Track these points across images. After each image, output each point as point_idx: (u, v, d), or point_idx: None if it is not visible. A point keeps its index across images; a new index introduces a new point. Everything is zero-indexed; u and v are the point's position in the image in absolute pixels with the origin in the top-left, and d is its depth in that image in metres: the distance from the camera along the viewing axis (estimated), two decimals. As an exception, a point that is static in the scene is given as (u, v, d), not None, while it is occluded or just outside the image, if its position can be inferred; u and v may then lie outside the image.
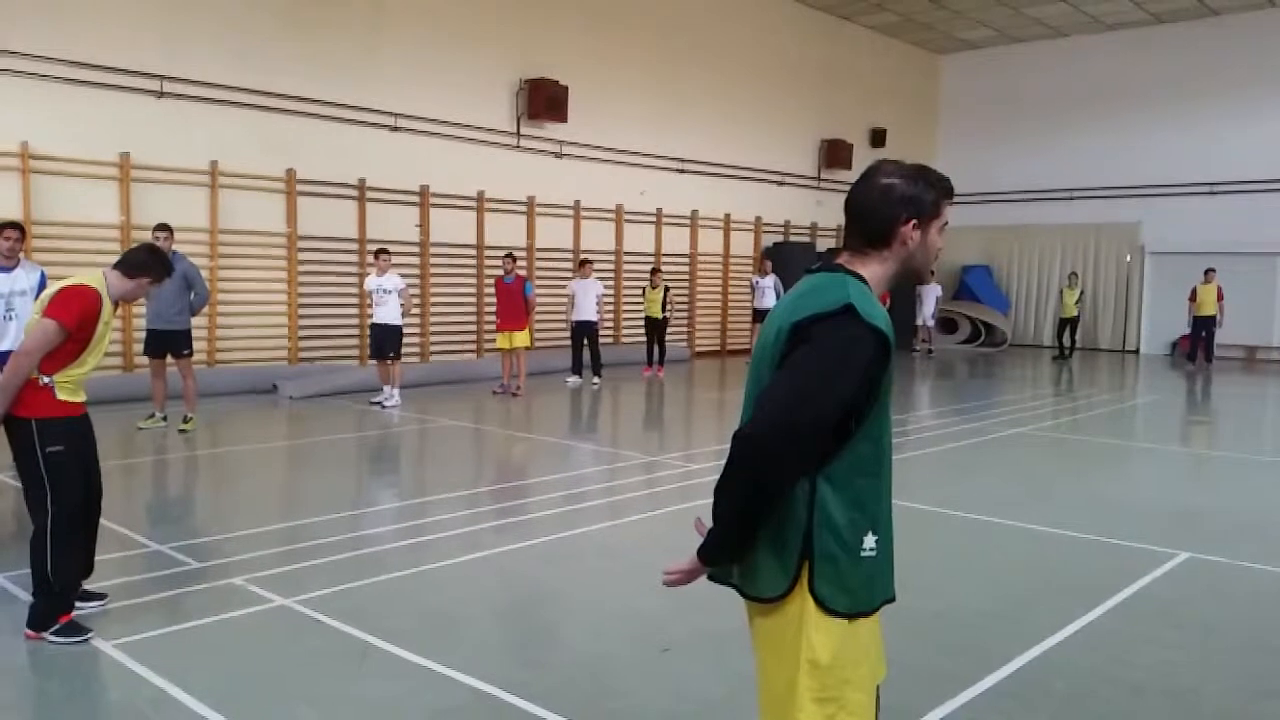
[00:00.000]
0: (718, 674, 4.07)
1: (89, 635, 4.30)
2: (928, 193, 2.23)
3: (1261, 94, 20.64)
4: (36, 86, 11.13)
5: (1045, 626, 4.65)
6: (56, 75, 11.24)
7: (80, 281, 4.40)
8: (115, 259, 4.71)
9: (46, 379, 4.27)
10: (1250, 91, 20.74)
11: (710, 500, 2.17)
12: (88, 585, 4.67)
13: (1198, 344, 19.27)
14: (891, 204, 2.21)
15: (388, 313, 11.87)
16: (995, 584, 5.50)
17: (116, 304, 4.54)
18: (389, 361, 11.94)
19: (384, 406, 11.72)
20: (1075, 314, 21.23)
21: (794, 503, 2.13)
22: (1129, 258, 22.67)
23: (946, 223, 2.30)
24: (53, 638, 4.26)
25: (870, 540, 2.17)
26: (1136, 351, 22.59)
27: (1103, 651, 4.40)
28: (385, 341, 11.90)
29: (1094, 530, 6.49)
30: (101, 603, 4.69)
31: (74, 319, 4.26)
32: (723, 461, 2.14)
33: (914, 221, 2.22)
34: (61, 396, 4.32)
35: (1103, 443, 10.57)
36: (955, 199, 2.37)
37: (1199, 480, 8.93)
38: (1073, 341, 21.27)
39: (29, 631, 4.30)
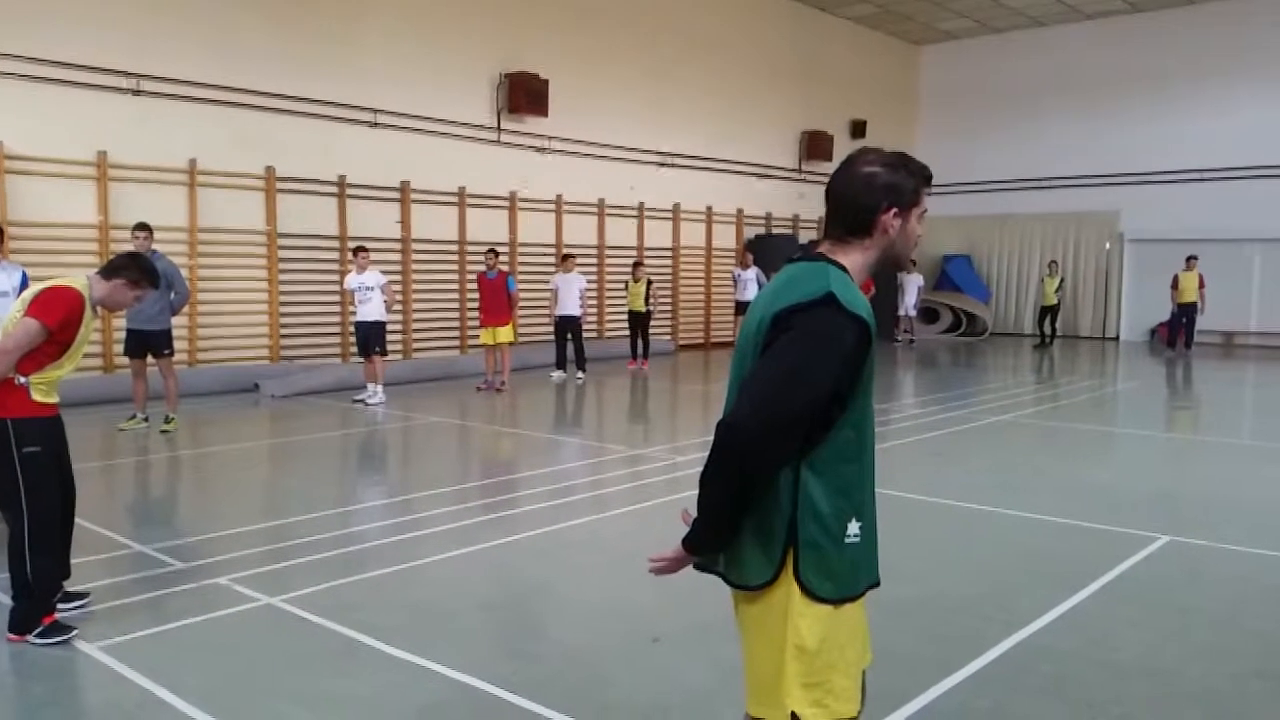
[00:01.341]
0: (707, 663, 4.09)
1: (73, 634, 4.29)
2: (908, 181, 2.25)
3: (1239, 81, 20.80)
4: (10, 86, 11.01)
5: (1029, 611, 4.69)
6: (31, 74, 11.13)
7: (64, 283, 4.38)
8: (94, 259, 4.70)
9: (23, 379, 4.24)
10: (1228, 79, 20.89)
11: (693, 494, 2.18)
12: (67, 586, 4.64)
13: (1178, 330, 19.45)
14: (873, 192, 2.22)
15: (371, 310, 11.82)
16: (979, 570, 5.54)
17: (96, 309, 4.52)
18: (374, 358, 11.90)
19: (367, 404, 11.69)
20: (1055, 302, 21.38)
21: (778, 491, 2.14)
22: (1108, 246, 22.83)
23: (925, 210, 2.31)
24: (36, 640, 4.23)
25: (854, 527, 2.19)
26: (1116, 339, 22.77)
27: (1086, 635, 4.44)
28: (370, 338, 11.86)
29: (1076, 515, 6.54)
30: (83, 602, 4.66)
31: (57, 320, 4.23)
32: (708, 454, 2.14)
33: (895, 210, 2.23)
34: (36, 397, 4.29)
35: (1084, 429, 10.65)
36: (936, 189, 2.39)
37: (1179, 464, 9.01)
38: (1053, 329, 21.42)
39: (11, 635, 4.27)
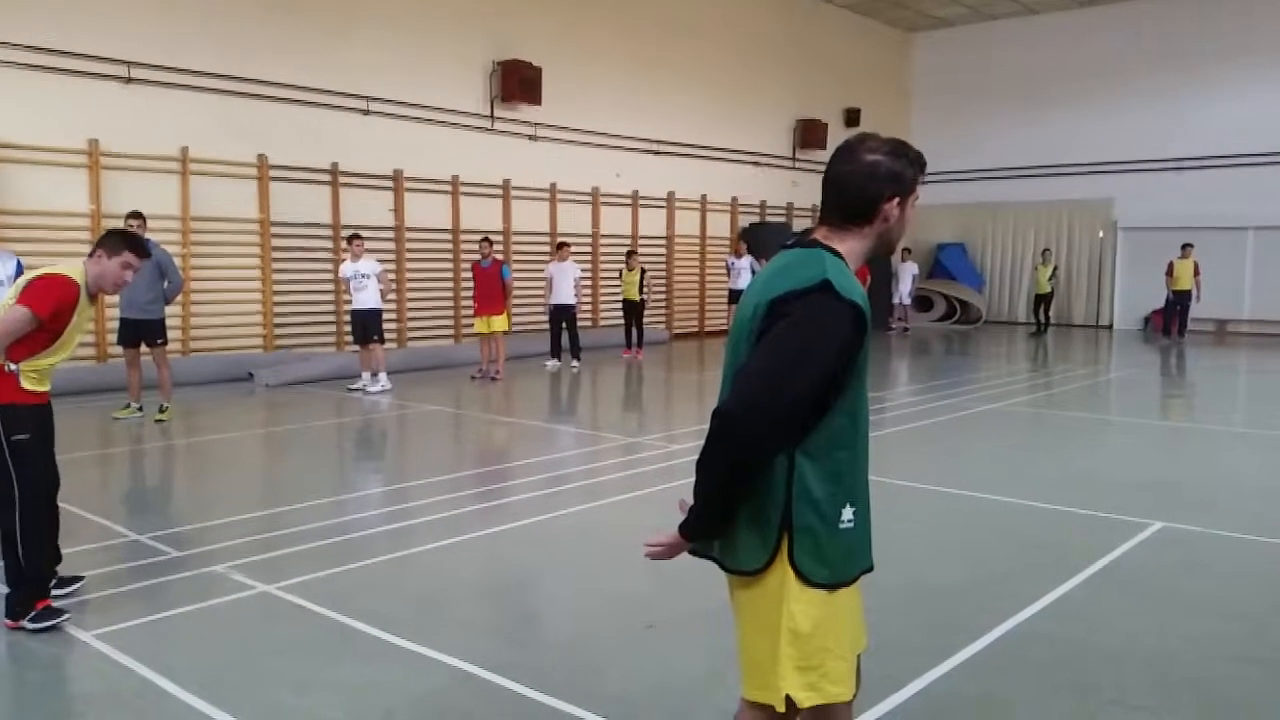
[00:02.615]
0: (702, 650, 4.10)
1: (65, 617, 4.29)
2: (909, 170, 2.25)
3: (1232, 69, 20.81)
4: (1, 74, 10.94)
5: (1023, 597, 4.71)
6: (22, 62, 11.07)
7: (59, 271, 4.36)
8: (87, 248, 4.67)
9: (13, 366, 4.23)
10: (1221, 66, 20.90)
11: (688, 482, 2.19)
12: (59, 571, 4.64)
13: (1172, 318, 19.50)
14: (878, 181, 2.21)
15: (368, 297, 11.80)
16: (973, 557, 5.56)
17: (95, 296, 4.49)
18: (373, 346, 11.88)
19: (366, 391, 11.67)
20: (1049, 290, 21.42)
21: (773, 477, 2.15)
22: (1102, 234, 22.86)
23: (919, 197, 2.32)
24: (30, 625, 4.23)
25: (848, 512, 2.20)
26: (1109, 327, 22.83)
27: (1079, 621, 4.47)
28: (368, 326, 11.84)
29: (1069, 502, 6.57)
30: (77, 586, 4.67)
31: (48, 309, 4.22)
32: (703, 442, 2.15)
33: (897, 199, 2.23)
34: (26, 385, 4.28)
35: (1078, 417, 10.69)
36: (929, 177, 2.40)
37: (1172, 452, 9.04)
38: (1047, 317, 21.46)
39: (8, 621, 4.28)
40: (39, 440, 4.35)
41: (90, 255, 4.50)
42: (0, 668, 4.03)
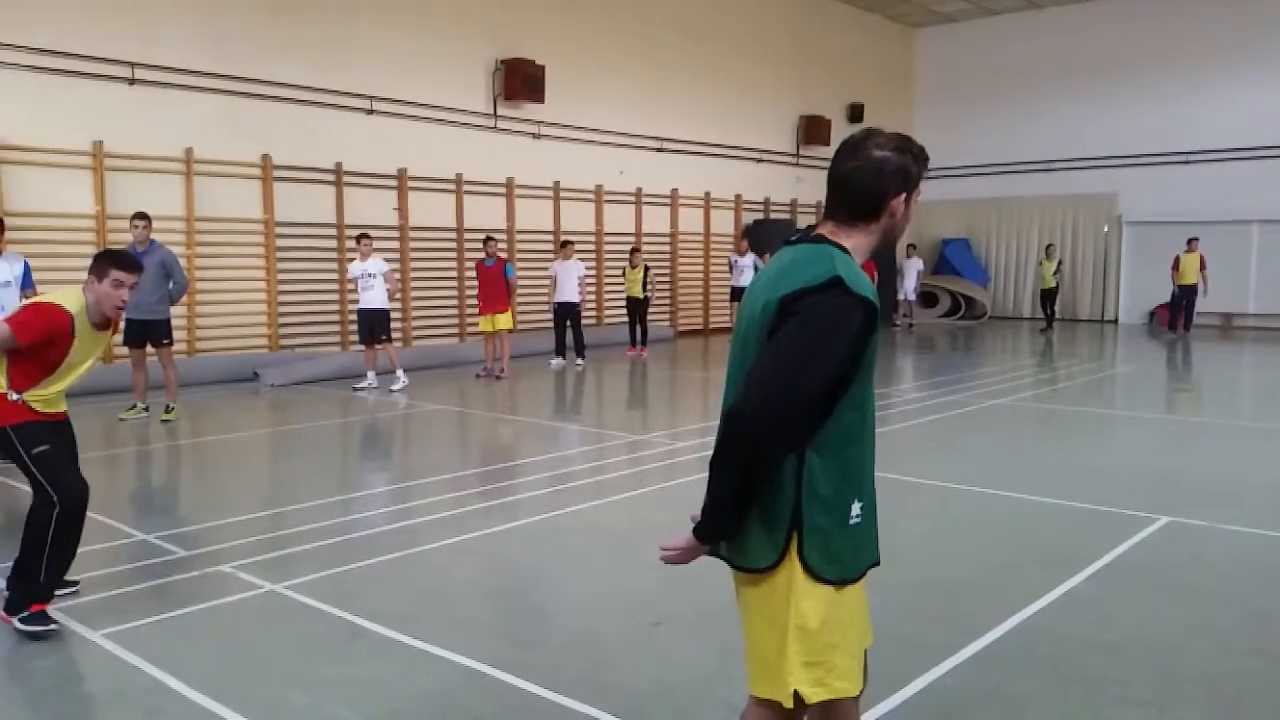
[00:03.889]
0: (708, 647, 4.10)
1: (53, 628, 4.26)
2: (914, 165, 2.25)
3: (1236, 63, 20.73)
4: (6, 76, 10.97)
5: (1029, 593, 4.70)
6: (27, 64, 11.09)
7: (56, 300, 4.33)
8: (91, 249, 4.66)
9: (16, 395, 4.24)
10: (1225, 61, 20.83)
11: (692, 479, 2.18)
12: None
13: (1178, 312, 19.45)
14: (885, 178, 2.21)
15: (374, 297, 11.80)
16: (978, 553, 5.56)
17: (106, 323, 4.46)
18: (381, 345, 11.89)
19: (390, 390, 11.65)
20: (1054, 285, 21.35)
21: (782, 474, 2.15)
22: (1106, 228, 22.81)
23: (920, 192, 2.32)
24: (20, 624, 4.22)
25: (856, 508, 2.20)
26: (1115, 321, 22.77)
27: (1086, 616, 4.46)
28: (375, 326, 11.85)
29: (1075, 497, 6.56)
30: (74, 589, 4.68)
31: (28, 337, 4.19)
32: (708, 439, 2.15)
33: (903, 195, 2.23)
34: (36, 408, 4.31)
35: (1083, 411, 10.67)
36: (934, 173, 2.40)
37: (1178, 446, 9.02)
38: (1052, 312, 21.40)
39: (3, 615, 4.30)
40: (61, 451, 4.37)
41: (86, 286, 4.44)
42: (9, 666, 4.04)
